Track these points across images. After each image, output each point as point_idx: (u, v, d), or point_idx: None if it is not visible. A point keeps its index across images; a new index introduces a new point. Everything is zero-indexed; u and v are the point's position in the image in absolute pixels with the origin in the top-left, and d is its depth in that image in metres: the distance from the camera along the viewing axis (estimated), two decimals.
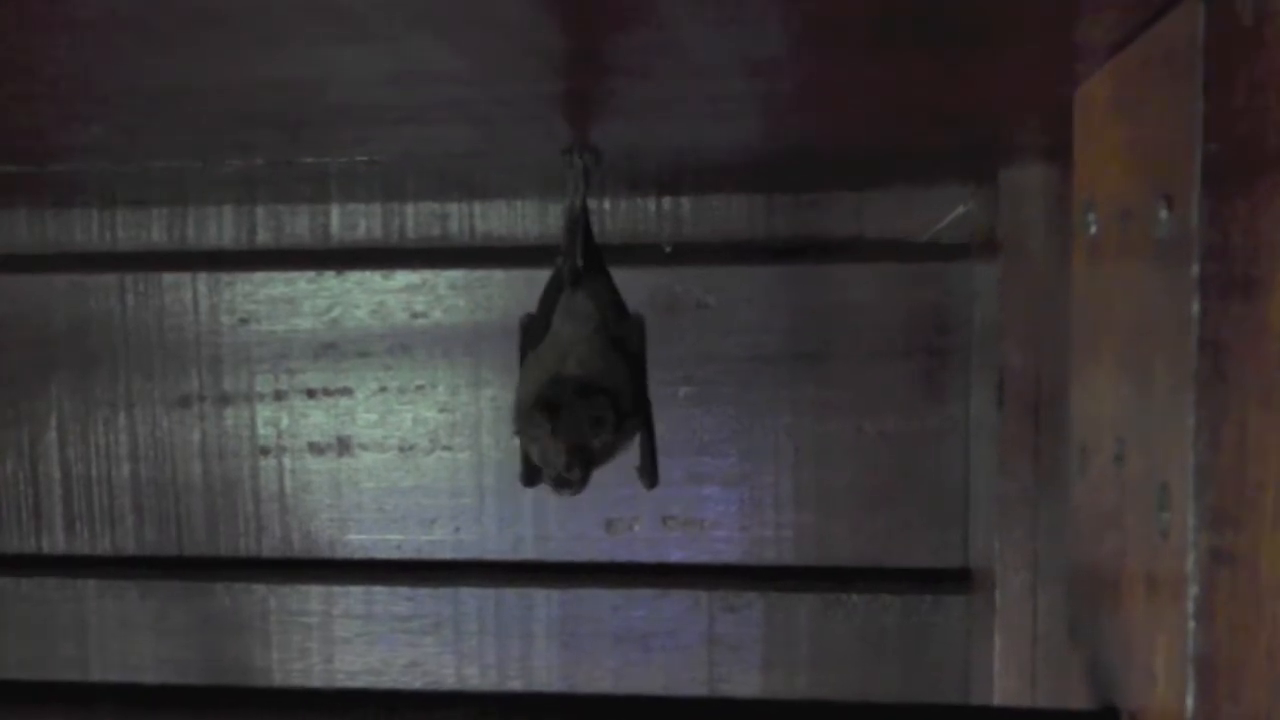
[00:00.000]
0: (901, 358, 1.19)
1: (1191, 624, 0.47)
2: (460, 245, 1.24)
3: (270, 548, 1.29)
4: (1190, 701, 0.47)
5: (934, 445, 1.19)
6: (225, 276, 1.27)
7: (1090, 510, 0.62)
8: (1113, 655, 0.58)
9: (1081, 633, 0.64)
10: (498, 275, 1.23)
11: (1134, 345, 0.55)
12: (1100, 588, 0.60)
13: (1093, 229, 0.62)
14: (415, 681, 1.28)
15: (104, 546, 1.32)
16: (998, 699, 1.04)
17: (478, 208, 1.23)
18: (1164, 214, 0.50)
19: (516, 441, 0.94)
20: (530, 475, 0.97)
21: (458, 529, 1.27)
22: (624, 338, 0.93)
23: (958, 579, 1.19)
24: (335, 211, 1.25)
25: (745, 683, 1.24)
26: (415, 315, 1.25)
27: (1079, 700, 0.64)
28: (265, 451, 1.28)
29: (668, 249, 1.21)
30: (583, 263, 0.93)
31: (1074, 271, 0.65)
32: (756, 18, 0.54)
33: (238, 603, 1.30)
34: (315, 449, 1.28)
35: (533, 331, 0.95)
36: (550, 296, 0.94)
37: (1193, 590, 0.47)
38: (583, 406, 0.86)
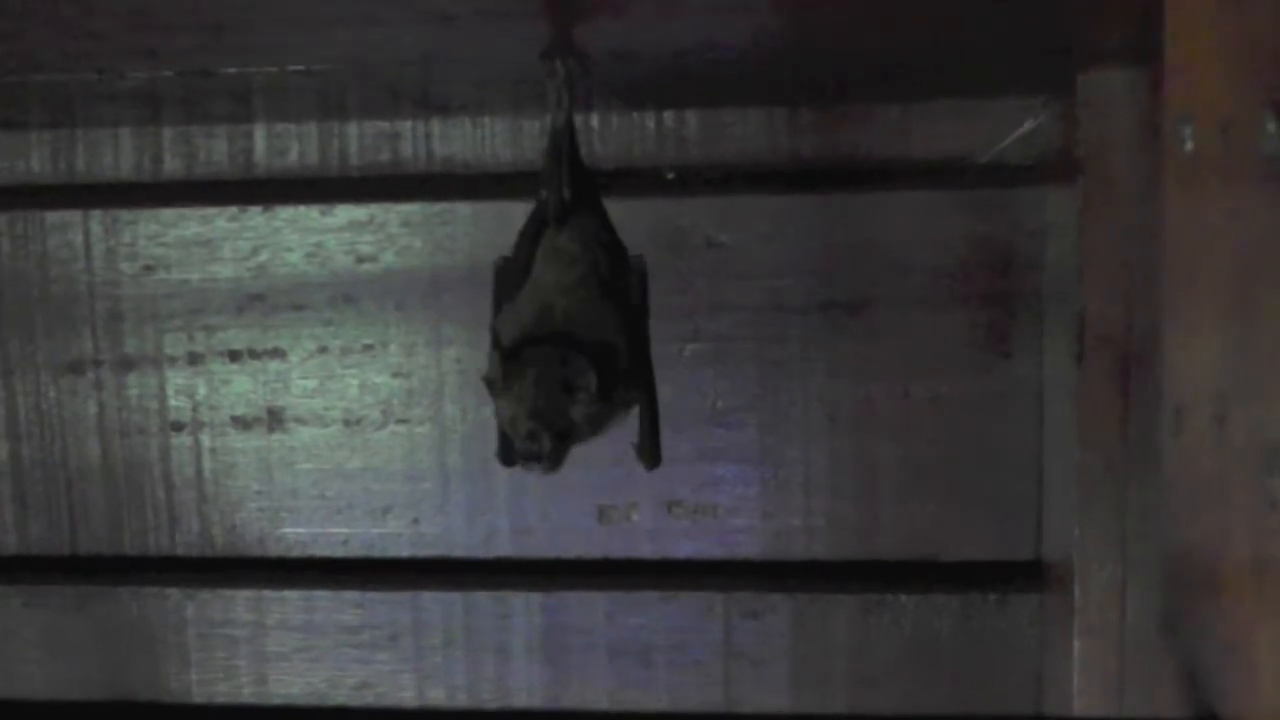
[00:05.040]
0: (958, 305, 1.20)
1: None
2: (415, 173, 1.25)
3: (186, 544, 1.31)
4: None
5: (999, 411, 1.20)
6: (125, 214, 1.29)
7: (1187, 482, 0.64)
8: (1212, 653, 0.60)
9: (1176, 629, 0.66)
10: (462, 209, 1.25)
11: (1238, 283, 0.57)
12: (1198, 574, 0.62)
13: (1188, 145, 0.63)
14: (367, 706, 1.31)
15: None
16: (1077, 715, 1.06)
17: (436, 127, 1.25)
18: (1273, 126, 0.52)
19: (490, 412, 0.96)
20: (508, 451, 0.98)
21: (417, 520, 1.29)
22: (621, 286, 0.95)
23: (1029, 574, 1.21)
24: (261, 133, 1.26)
25: (769, 704, 1.26)
26: (361, 259, 1.26)
27: (1173, 710, 0.66)
28: (178, 427, 1.30)
29: (670, 175, 1.22)
30: (570, 193, 0.94)
31: (1166, 196, 0.66)
32: None
33: (147, 611, 1.32)
34: (240, 423, 1.29)
35: (509, 278, 0.96)
36: (530, 235, 0.96)
37: None
38: (558, 366, 0.88)
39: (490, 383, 0.89)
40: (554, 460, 0.88)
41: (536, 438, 0.87)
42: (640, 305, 0.97)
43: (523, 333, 0.90)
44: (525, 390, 0.87)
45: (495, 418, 0.94)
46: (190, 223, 1.28)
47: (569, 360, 0.88)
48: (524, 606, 1.28)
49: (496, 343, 0.90)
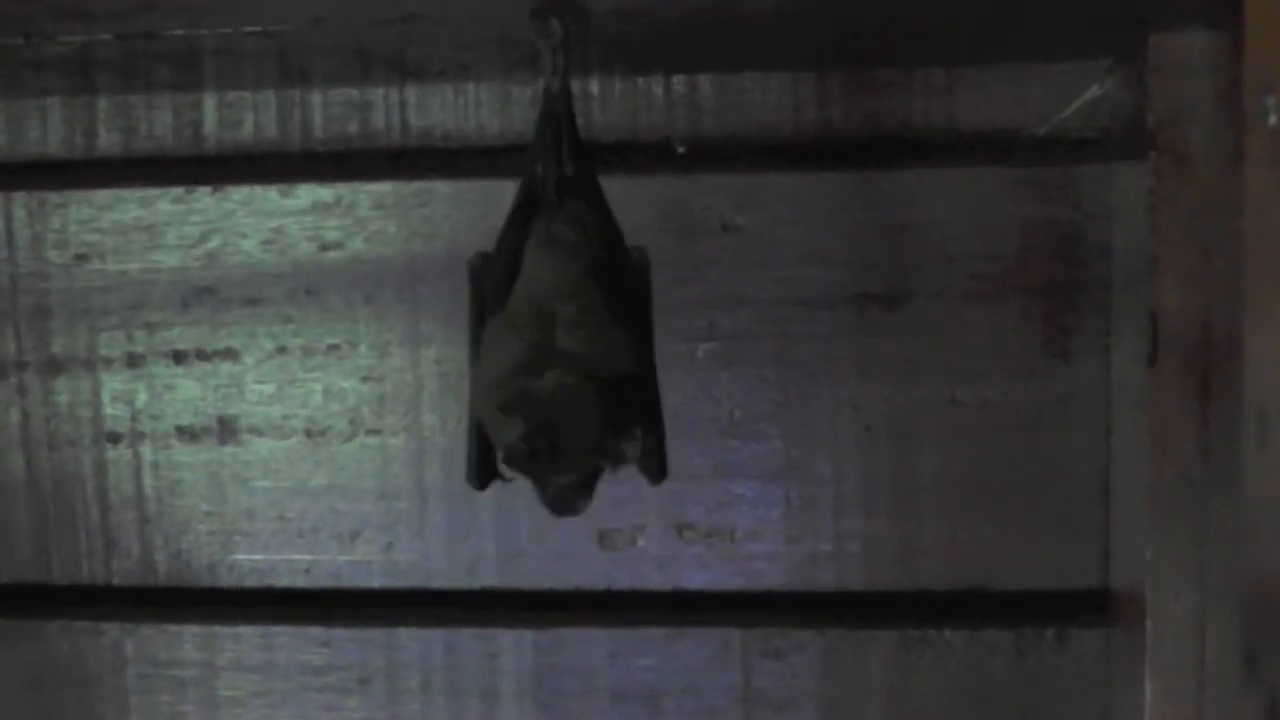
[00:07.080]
0: (1011, 298, 1.21)
1: None
2: (388, 147, 1.27)
3: (125, 572, 1.32)
4: None
5: (1058, 419, 1.21)
6: (53, 196, 1.30)
7: (1272, 498, 0.65)
8: None
9: (1260, 663, 0.67)
10: (441, 189, 1.26)
11: None
12: None
13: (1272, 118, 0.64)
14: None
15: None
16: None
17: (412, 94, 1.26)
18: None
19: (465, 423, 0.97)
20: (483, 473, 0.99)
21: (390, 545, 1.30)
22: (620, 285, 0.95)
23: (1094, 605, 1.22)
24: (211, 103, 1.28)
25: None
26: (326, 246, 1.27)
27: None
28: (115, 438, 1.31)
29: (681, 149, 1.24)
30: (571, 168, 0.95)
31: (1247, 175, 0.67)
32: None
33: (79, 648, 1.33)
34: (186, 435, 1.31)
35: (491, 276, 0.96)
36: (518, 223, 0.96)
37: None
38: (594, 417, 0.88)
39: (511, 457, 0.89)
40: (587, 506, 0.92)
41: (580, 503, 0.92)
42: (643, 306, 0.97)
43: (528, 354, 0.90)
44: (563, 454, 0.88)
45: (471, 437, 0.96)
46: (129, 205, 1.29)
47: (609, 411, 0.89)
48: (514, 645, 1.29)
49: (506, 405, 0.89)
